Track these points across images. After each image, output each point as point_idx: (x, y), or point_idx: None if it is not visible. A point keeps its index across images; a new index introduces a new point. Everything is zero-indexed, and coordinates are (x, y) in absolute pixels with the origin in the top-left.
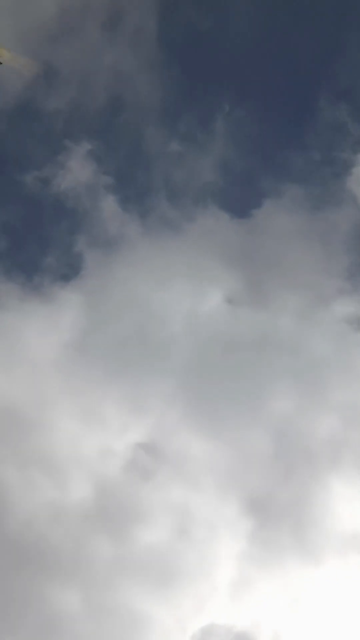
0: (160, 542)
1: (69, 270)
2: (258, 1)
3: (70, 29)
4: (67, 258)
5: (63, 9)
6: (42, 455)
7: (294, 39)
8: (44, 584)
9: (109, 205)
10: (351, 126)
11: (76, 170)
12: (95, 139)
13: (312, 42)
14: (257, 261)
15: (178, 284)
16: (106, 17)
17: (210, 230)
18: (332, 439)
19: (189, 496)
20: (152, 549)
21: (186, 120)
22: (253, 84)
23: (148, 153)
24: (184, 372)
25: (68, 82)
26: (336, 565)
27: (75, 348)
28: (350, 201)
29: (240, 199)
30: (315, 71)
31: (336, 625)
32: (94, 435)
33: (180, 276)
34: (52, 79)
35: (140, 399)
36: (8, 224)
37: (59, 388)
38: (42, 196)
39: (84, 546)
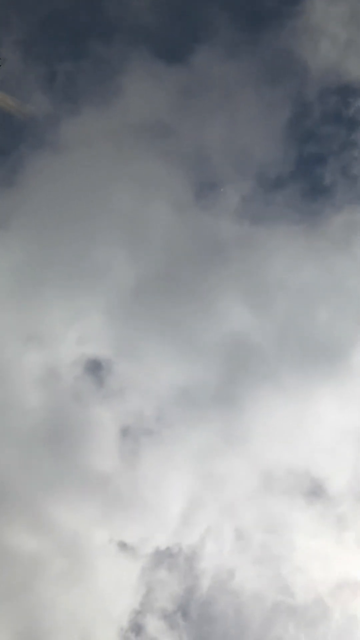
0: (108, 464)
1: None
2: None
3: None
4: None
5: None
6: None
7: None
8: None
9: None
10: None
11: None
12: None
13: None
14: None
15: (120, 183)
16: None
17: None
18: (279, 336)
19: (139, 409)
20: (98, 471)
21: None
22: None
23: None
24: (130, 284)
25: None
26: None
27: (21, 265)
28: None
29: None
30: None
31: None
32: (39, 350)
33: (122, 176)
34: None
35: (85, 312)
36: None
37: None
38: None
39: (25, 466)
